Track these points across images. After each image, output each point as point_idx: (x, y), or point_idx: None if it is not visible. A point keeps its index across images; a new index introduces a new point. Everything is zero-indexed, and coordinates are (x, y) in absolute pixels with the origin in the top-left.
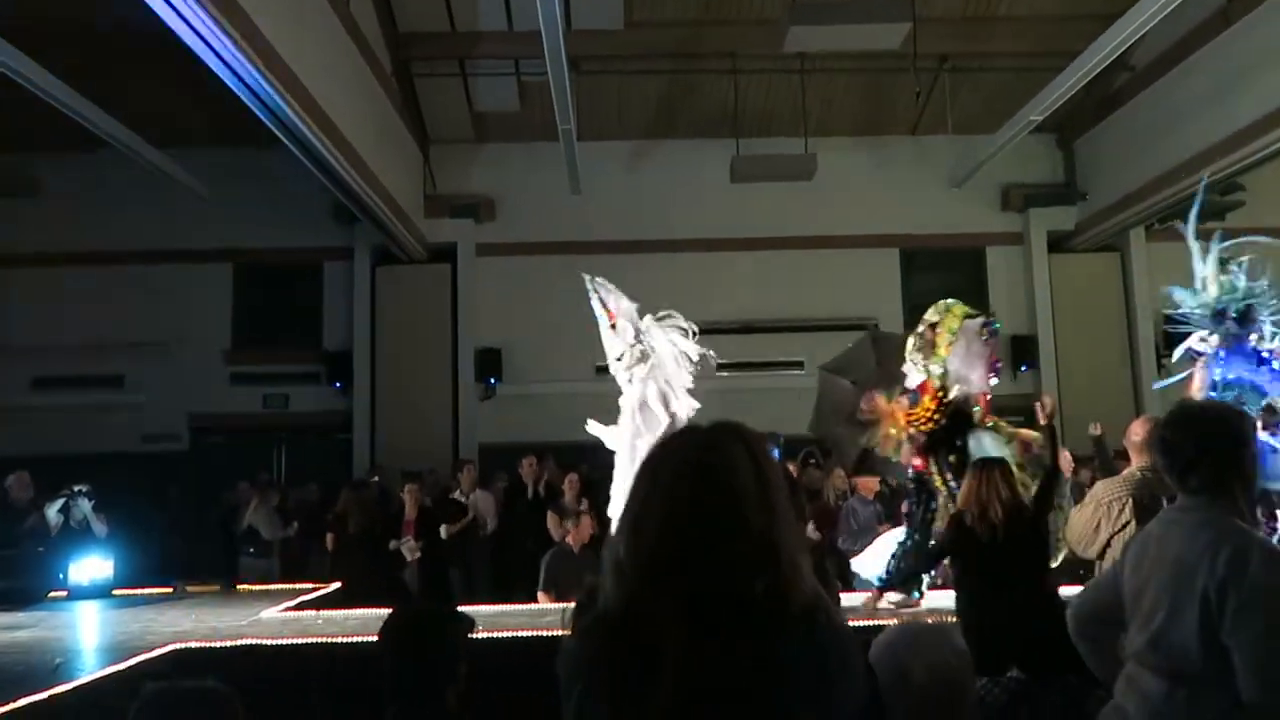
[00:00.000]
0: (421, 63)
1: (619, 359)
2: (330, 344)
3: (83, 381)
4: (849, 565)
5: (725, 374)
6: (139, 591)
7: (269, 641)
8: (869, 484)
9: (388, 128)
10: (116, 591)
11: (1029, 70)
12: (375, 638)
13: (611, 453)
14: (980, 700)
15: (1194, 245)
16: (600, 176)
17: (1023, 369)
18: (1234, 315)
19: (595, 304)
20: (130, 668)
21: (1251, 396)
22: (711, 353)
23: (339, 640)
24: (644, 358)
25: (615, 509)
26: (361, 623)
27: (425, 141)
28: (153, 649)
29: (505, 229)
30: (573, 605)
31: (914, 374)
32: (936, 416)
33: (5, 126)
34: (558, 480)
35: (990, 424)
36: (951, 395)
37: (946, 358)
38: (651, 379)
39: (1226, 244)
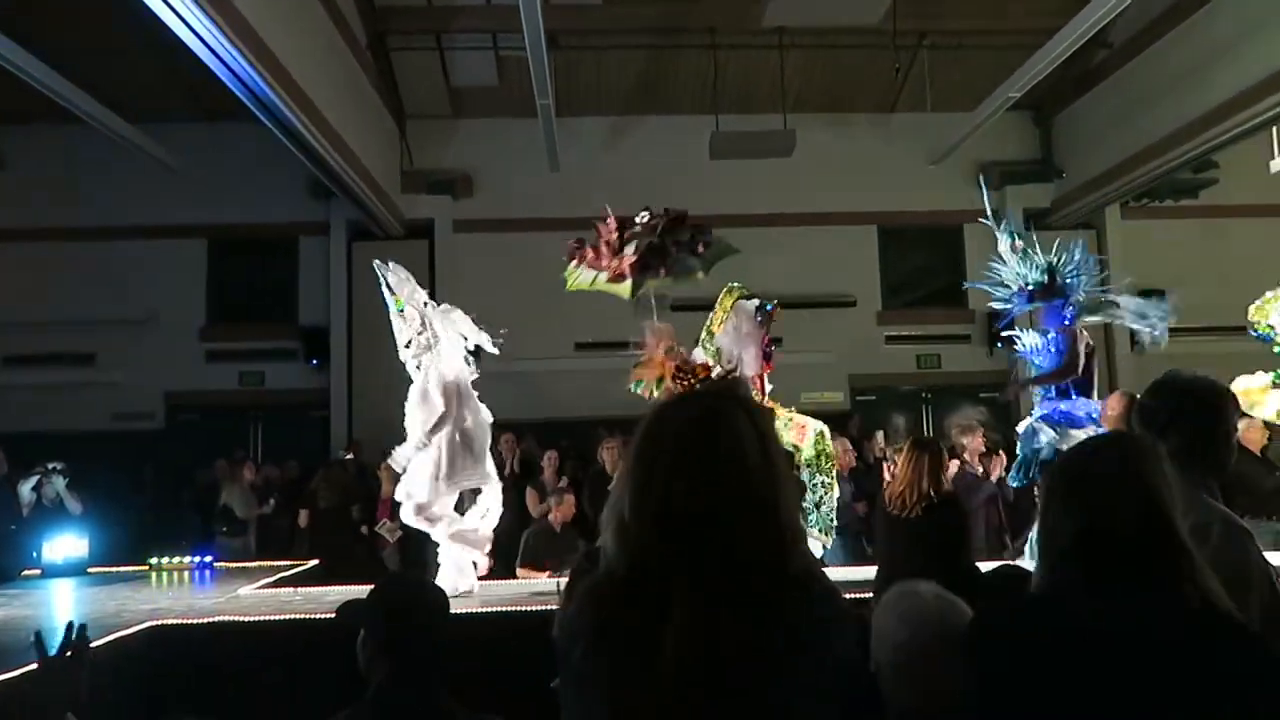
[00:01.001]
0: (398, 37)
1: (406, 345)
2: (306, 320)
3: (55, 359)
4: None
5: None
6: (114, 569)
7: (246, 619)
8: (846, 460)
9: (364, 102)
10: (91, 570)
11: (1007, 48)
12: (344, 611)
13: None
14: None
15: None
16: (579, 152)
17: (999, 346)
18: (1038, 284)
19: (384, 289)
20: (106, 644)
21: (1061, 430)
22: (500, 342)
23: (317, 616)
24: (429, 346)
25: (406, 500)
26: (340, 599)
27: (402, 117)
28: (129, 626)
29: (483, 205)
30: (567, 575)
31: (699, 353)
32: (695, 386)
33: None
34: (536, 457)
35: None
36: (717, 372)
37: (718, 335)
38: (434, 368)
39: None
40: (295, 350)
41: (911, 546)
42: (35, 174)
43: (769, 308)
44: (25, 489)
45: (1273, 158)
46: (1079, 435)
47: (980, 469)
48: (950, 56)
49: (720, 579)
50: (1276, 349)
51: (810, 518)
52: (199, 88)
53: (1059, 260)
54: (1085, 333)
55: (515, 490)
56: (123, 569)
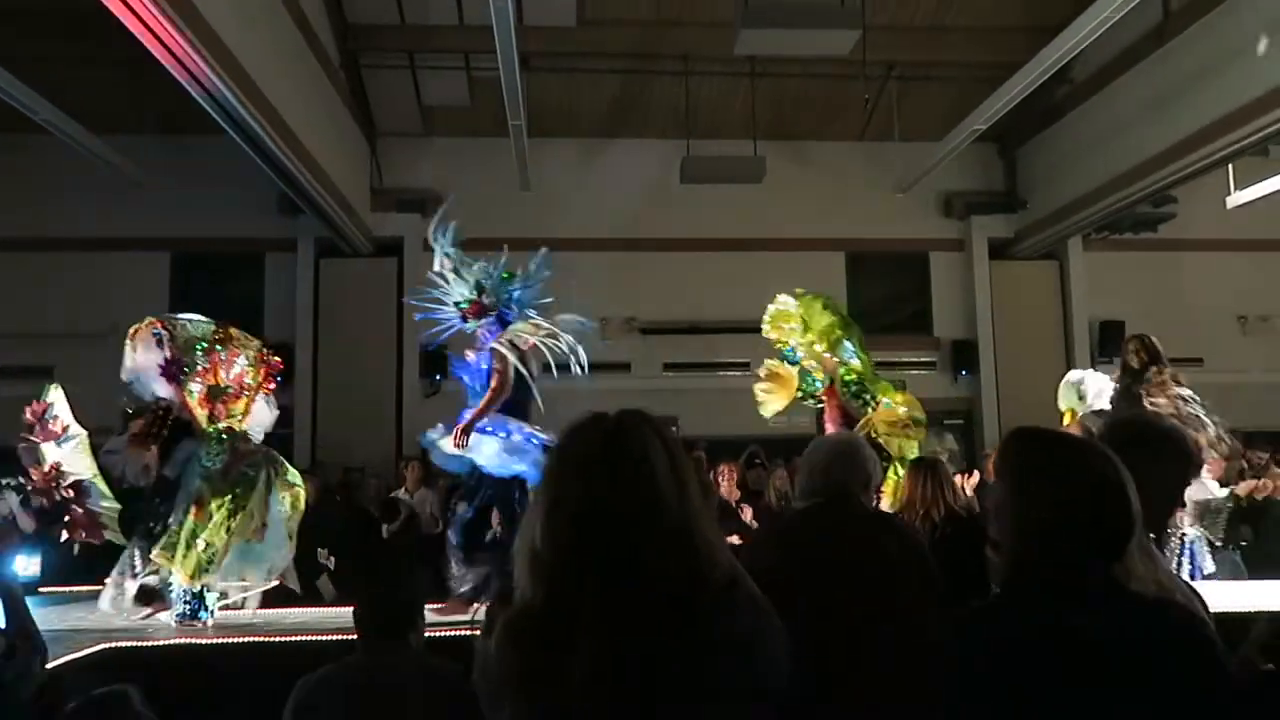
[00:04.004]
0: (370, 55)
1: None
2: (272, 337)
3: (11, 372)
4: None
5: (671, 374)
6: (67, 589)
7: (202, 641)
8: None
9: (335, 119)
10: (44, 589)
11: (973, 80)
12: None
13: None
14: None
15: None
16: (550, 174)
17: (963, 374)
18: (469, 302)
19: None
20: (58, 667)
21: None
22: None
23: (274, 640)
24: None
25: None
26: (300, 621)
27: (373, 134)
28: (81, 649)
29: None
30: (484, 609)
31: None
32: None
33: None
34: None
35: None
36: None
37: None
38: None
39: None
40: None
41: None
42: None
43: (158, 334)
44: None
45: (1229, 193)
46: (491, 448)
47: None
48: (918, 88)
49: (636, 605)
50: (803, 371)
51: None
52: (167, 101)
53: (487, 276)
54: (536, 350)
55: None
56: (76, 589)
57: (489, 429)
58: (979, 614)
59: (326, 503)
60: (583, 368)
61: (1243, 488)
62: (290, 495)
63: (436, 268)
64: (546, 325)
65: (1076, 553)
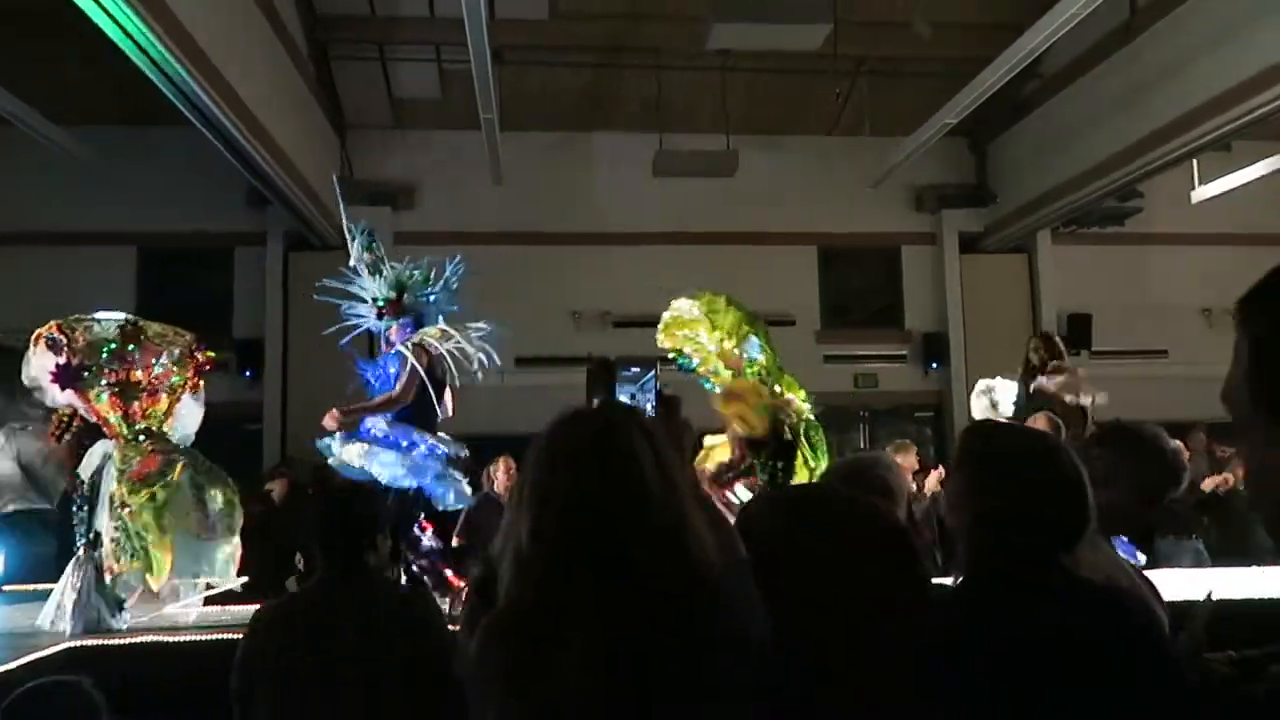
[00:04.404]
0: (340, 46)
1: None
2: (240, 332)
3: None
4: None
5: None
6: (30, 588)
7: (170, 639)
8: None
9: (303, 111)
10: (7, 587)
11: (944, 75)
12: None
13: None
14: None
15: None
16: (522, 167)
17: (933, 366)
18: (386, 300)
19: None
20: (22, 666)
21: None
22: None
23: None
24: None
25: None
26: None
27: (343, 127)
28: (45, 648)
29: (424, 217)
30: (464, 602)
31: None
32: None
33: None
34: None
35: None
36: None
37: None
38: None
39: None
40: (229, 362)
41: None
42: None
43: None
44: None
45: (1194, 188)
46: (390, 459)
47: (914, 486)
48: (888, 83)
49: (623, 597)
50: (707, 381)
51: None
52: (131, 91)
53: (409, 276)
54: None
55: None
56: (40, 587)
57: (391, 438)
58: (939, 606)
59: (298, 498)
60: (479, 372)
61: (1208, 483)
62: (223, 492)
63: (353, 261)
64: (455, 332)
65: (1032, 545)
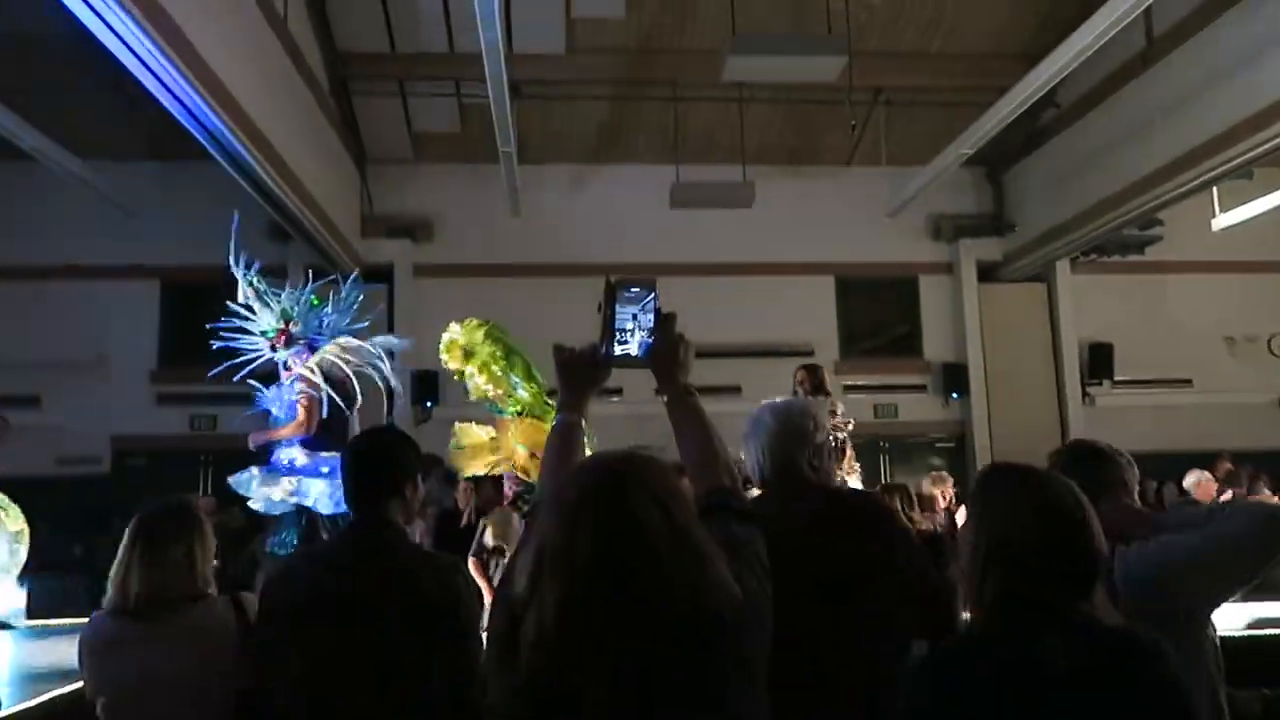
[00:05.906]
0: (360, 81)
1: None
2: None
3: None
4: None
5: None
6: (55, 623)
7: None
8: None
9: (324, 146)
10: (29, 622)
11: (960, 105)
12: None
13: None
14: None
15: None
16: (540, 199)
17: (954, 397)
18: (276, 331)
19: None
20: (39, 705)
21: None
22: None
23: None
24: None
25: None
26: None
27: (363, 161)
28: (65, 684)
29: (444, 250)
30: (489, 652)
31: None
32: None
33: None
34: (493, 506)
35: None
36: None
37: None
38: None
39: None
40: (248, 395)
41: None
42: None
43: None
44: None
45: (1214, 215)
46: (320, 488)
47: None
48: (905, 113)
49: (638, 662)
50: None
51: None
52: (154, 127)
53: (293, 306)
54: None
55: (467, 541)
56: (65, 621)
57: (312, 467)
58: (950, 649)
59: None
60: (390, 392)
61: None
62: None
63: (240, 298)
64: (355, 348)
65: (1041, 584)
